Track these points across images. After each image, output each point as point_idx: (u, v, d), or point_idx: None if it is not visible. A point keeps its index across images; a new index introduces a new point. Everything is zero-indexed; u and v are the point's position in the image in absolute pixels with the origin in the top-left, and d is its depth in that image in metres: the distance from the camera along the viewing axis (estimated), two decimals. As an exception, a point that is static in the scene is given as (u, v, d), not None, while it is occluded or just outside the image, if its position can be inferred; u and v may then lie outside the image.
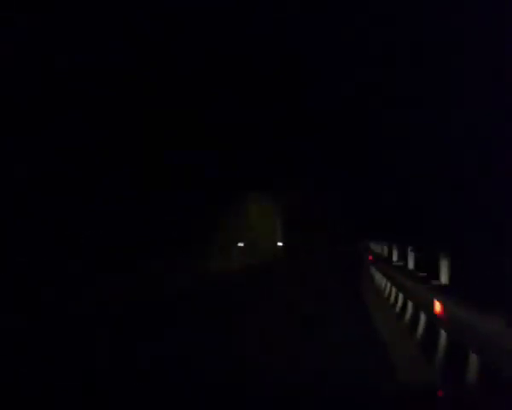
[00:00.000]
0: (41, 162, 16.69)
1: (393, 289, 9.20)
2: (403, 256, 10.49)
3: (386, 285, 10.49)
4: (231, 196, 34.52)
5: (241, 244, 31.56)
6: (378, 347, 6.86)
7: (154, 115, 23.59)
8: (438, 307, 6.03)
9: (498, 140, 27.42)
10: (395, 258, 11.67)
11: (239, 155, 34.41)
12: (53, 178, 16.98)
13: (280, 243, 43.09)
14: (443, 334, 5.24)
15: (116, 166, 20.34)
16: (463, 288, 5.81)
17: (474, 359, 4.44)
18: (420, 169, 34.02)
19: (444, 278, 6.53)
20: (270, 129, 42.59)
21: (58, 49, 17.63)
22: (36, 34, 16.44)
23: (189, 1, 27.67)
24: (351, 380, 4.74)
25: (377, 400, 2.17)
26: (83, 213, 17.94)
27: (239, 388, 2.32)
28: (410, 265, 9.31)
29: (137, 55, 22.37)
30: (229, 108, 32.29)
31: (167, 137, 24.26)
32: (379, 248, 18.08)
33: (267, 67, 37.59)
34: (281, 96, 43.12)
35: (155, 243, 20.72)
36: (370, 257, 14.38)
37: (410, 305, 7.37)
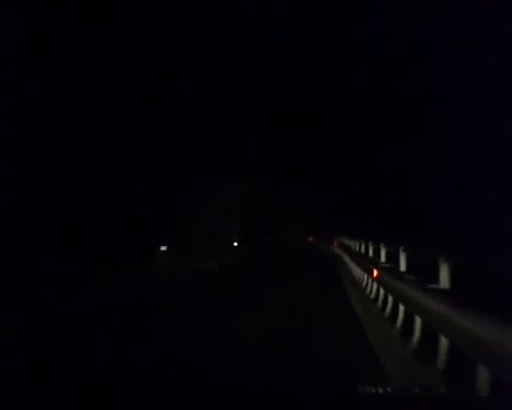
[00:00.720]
0: (41, 162, 16.72)
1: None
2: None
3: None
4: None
5: (163, 248, 22.38)
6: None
7: (154, 115, 23.62)
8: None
9: (499, 140, 27.46)
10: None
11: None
12: (53, 177, 17.02)
13: (235, 244, 34.15)
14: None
15: (116, 165, 20.36)
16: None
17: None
18: (420, 169, 34.08)
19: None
20: (270, 128, 42.57)
21: (58, 48, 17.68)
22: (36, 34, 16.48)
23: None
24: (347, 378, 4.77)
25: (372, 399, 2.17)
26: (83, 213, 17.97)
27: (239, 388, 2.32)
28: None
29: (138, 58, 22.40)
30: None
31: (167, 137, 24.29)
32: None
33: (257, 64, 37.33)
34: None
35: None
36: (377, 272, 9.81)
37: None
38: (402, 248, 8.51)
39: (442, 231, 22.60)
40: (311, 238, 43.83)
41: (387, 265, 9.81)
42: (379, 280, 9.80)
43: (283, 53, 41.64)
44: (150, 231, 21.83)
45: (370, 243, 13.51)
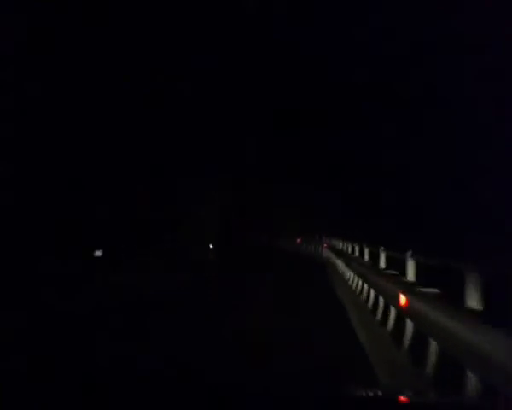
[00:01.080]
0: (41, 162, 16.73)
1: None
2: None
3: None
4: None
5: (98, 253, 17.46)
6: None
7: (154, 115, 23.63)
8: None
9: (499, 140, 27.49)
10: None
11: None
12: (53, 177, 17.03)
13: (211, 246, 28.26)
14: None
15: (116, 165, 20.37)
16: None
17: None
18: (420, 169, 34.12)
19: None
20: (270, 128, 42.57)
21: (58, 48, 17.69)
22: (36, 34, 16.49)
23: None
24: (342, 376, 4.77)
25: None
26: (83, 213, 17.97)
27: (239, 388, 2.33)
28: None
29: (138, 62, 22.42)
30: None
31: (167, 137, 24.29)
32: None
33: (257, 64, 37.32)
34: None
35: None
36: (406, 299, 6.10)
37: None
38: (466, 264, 4.32)
39: (442, 231, 22.59)
40: (298, 239, 42.52)
41: (427, 290, 5.56)
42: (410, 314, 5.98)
43: (283, 53, 41.68)
44: (150, 231, 21.46)
45: (382, 248, 9.41)
